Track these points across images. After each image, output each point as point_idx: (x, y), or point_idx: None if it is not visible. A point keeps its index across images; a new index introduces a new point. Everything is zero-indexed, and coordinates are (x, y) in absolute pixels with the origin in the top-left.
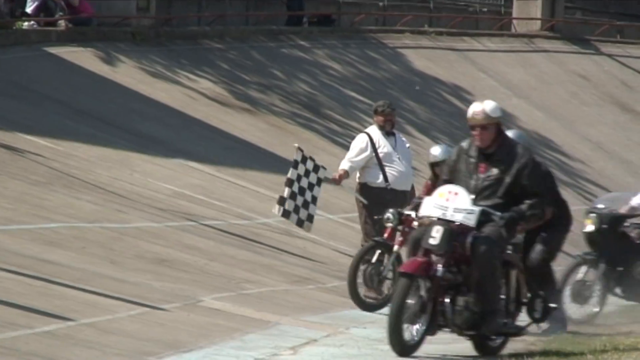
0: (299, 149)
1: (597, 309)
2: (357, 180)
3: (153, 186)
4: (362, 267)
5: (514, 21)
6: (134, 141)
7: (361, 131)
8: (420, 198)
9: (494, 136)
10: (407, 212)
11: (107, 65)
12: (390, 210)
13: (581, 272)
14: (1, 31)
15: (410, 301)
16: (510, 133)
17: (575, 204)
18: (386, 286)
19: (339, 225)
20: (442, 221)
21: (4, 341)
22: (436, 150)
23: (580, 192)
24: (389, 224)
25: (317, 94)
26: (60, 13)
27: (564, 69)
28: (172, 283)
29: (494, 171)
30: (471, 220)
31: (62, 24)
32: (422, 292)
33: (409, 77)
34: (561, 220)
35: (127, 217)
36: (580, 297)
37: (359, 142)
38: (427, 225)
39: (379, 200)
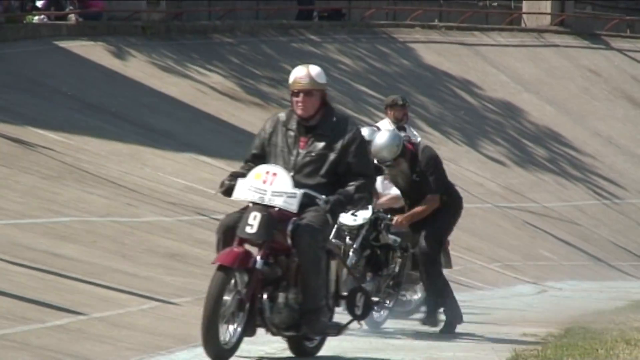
0: None
1: None
2: None
3: (164, 180)
4: None
5: (524, 16)
6: (144, 135)
7: (371, 125)
8: None
9: (318, 105)
10: None
11: (118, 60)
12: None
13: None
14: (12, 25)
15: (226, 298)
16: (365, 130)
17: (585, 199)
18: None
19: None
20: (259, 206)
21: (15, 335)
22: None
23: (590, 187)
24: None
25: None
26: (71, 7)
27: (574, 64)
28: (184, 277)
29: (317, 146)
30: (293, 205)
31: (72, 17)
32: (240, 288)
33: (419, 71)
34: (450, 207)
35: (138, 211)
36: None
37: None
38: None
39: None
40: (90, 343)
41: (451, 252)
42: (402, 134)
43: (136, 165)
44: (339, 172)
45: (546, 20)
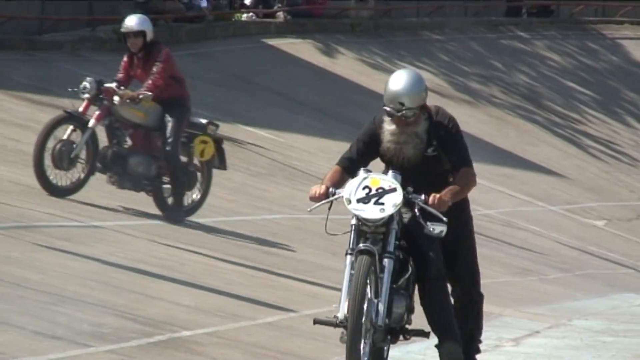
0: None
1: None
2: None
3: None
4: (50, 146)
5: None
6: (353, 132)
7: None
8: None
9: None
10: (108, 84)
11: (326, 57)
12: (88, 78)
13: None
14: (221, 23)
15: None
16: None
17: None
18: (79, 168)
19: (561, 216)
20: None
21: (226, 332)
22: (131, 20)
23: None
24: (86, 95)
25: (536, 85)
26: (279, 5)
27: None
28: None
29: None
30: None
31: (280, 15)
32: None
33: (628, 67)
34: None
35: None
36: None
37: None
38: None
39: None
40: (300, 340)
41: None
42: None
43: None
44: None
45: None
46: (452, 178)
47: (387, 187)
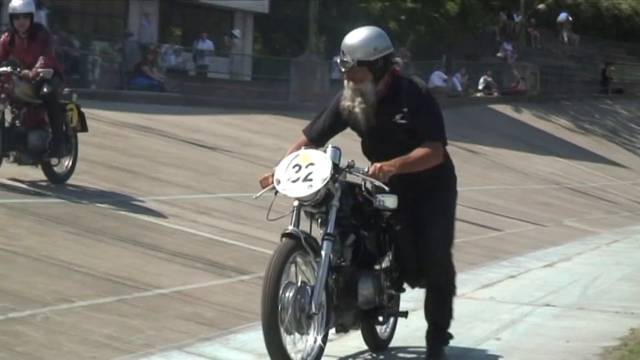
0: None
1: None
2: None
3: (536, 167)
4: None
5: None
6: (529, 145)
7: None
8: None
9: None
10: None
11: (517, 113)
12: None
13: None
14: (467, 98)
15: None
16: None
17: None
18: None
19: (628, 187)
20: None
21: None
22: (17, 2)
23: None
24: None
25: (617, 125)
26: (494, 89)
27: None
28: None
29: None
30: None
31: (495, 93)
32: None
33: None
34: (449, 171)
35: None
36: None
37: None
38: (31, 77)
39: None
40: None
41: None
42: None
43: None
44: None
45: None
46: None
47: (317, 162)
